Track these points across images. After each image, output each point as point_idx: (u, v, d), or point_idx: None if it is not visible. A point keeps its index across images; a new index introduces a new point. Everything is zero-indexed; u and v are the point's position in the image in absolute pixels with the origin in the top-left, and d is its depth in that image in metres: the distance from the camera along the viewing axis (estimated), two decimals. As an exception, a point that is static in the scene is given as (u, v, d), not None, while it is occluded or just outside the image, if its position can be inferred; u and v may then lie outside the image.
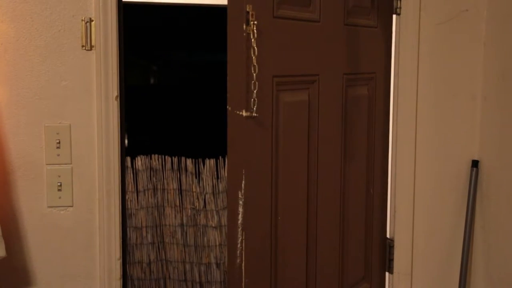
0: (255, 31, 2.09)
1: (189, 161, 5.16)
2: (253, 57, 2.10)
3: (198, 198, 5.19)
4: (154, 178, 5.32)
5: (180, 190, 5.20)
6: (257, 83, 2.11)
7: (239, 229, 2.16)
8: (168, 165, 5.28)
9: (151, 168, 5.29)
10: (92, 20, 2.62)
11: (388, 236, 3.20)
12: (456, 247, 3.21)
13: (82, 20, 2.62)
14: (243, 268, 2.17)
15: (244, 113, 2.11)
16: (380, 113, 3.02)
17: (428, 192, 3.17)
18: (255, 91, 2.10)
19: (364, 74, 2.88)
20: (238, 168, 2.15)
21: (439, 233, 3.22)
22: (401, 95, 3.07)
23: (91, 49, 2.64)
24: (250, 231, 2.20)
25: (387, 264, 3.20)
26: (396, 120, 3.10)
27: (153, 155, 5.30)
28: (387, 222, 3.20)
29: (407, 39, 3.04)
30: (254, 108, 2.12)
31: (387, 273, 3.23)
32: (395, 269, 3.17)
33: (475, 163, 3.14)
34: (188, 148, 5.21)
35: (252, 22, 2.08)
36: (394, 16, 3.06)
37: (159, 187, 5.31)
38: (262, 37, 2.16)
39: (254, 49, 2.10)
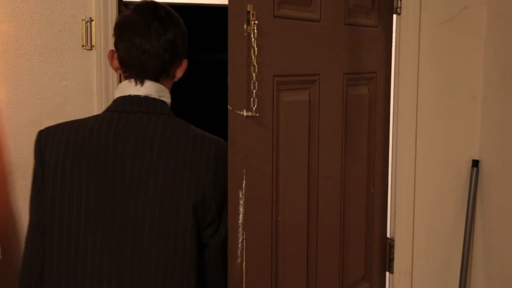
0: (255, 31, 2.08)
1: (189, 161, 5.16)
2: (253, 57, 2.10)
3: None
4: (154, 178, 5.31)
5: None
6: (256, 83, 2.10)
7: (240, 229, 2.16)
8: (168, 165, 5.28)
9: (151, 168, 5.28)
10: (93, 20, 2.63)
11: (388, 236, 3.19)
12: (456, 247, 3.20)
13: (83, 20, 2.63)
14: (243, 267, 2.17)
15: (244, 113, 2.10)
16: (381, 112, 3.02)
17: (428, 192, 3.17)
18: (254, 91, 2.10)
19: (365, 73, 2.88)
20: (239, 167, 2.15)
21: (440, 233, 3.22)
22: (401, 94, 3.07)
23: (91, 49, 2.64)
24: (250, 231, 2.20)
25: (387, 263, 3.20)
26: (397, 120, 3.10)
27: (153, 155, 5.30)
28: (388, 222, 3.19)
29: (407, 38, 3.04)
30: (254, 108, 2.11)
31: (387, 273, 3.23)
32: (395, 269, 3.17)
33: (475, 163, 3.14)
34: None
35: (252, 22, 2.07)
36: (394, 16, 3.05)
37: (159, 187, 5.30)
38: (263, 37, 2.15)
39: (254, 49, 2.10)
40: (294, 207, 2.51)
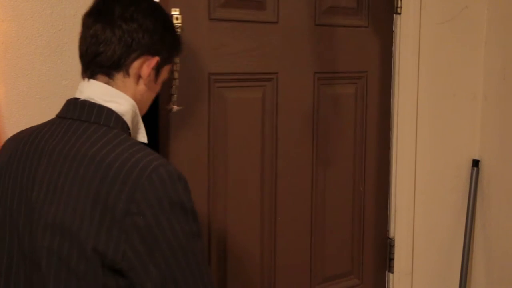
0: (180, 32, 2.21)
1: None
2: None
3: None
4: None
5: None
6: (178, 80, 2.25)
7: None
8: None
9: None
10: (93, 20, 2.71)
11: (388, 235, 3.19)
12: (456, 246, 3.19)
13: (83, 19, 2.70)
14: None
15: (168, 107, 2.26)
16: (374, 111, 3.00)
17: (428, 191, 3.15)
18: (174, 87, 2.24)
19: (349, 73, 2.88)
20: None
21: (440, 232, 3.20)
22: (401, 94, 3.06)
23: (91, 49, 2.72)
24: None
25: (387, 263, 3.19)
26: (396, 120, 3.08)
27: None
28: (388, 222, 3.19)
29: (407, 38, 3.03)
30: (173, 103, 2.29)
31: (387, 273, 3.22)
32: (395, 269, 3.16)
33: (475, 163, 3.12)
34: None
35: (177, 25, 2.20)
36: (394, 16, 3.05)
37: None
38: (192, 38, 2.33)
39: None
40: (240, 209, 2.61)
